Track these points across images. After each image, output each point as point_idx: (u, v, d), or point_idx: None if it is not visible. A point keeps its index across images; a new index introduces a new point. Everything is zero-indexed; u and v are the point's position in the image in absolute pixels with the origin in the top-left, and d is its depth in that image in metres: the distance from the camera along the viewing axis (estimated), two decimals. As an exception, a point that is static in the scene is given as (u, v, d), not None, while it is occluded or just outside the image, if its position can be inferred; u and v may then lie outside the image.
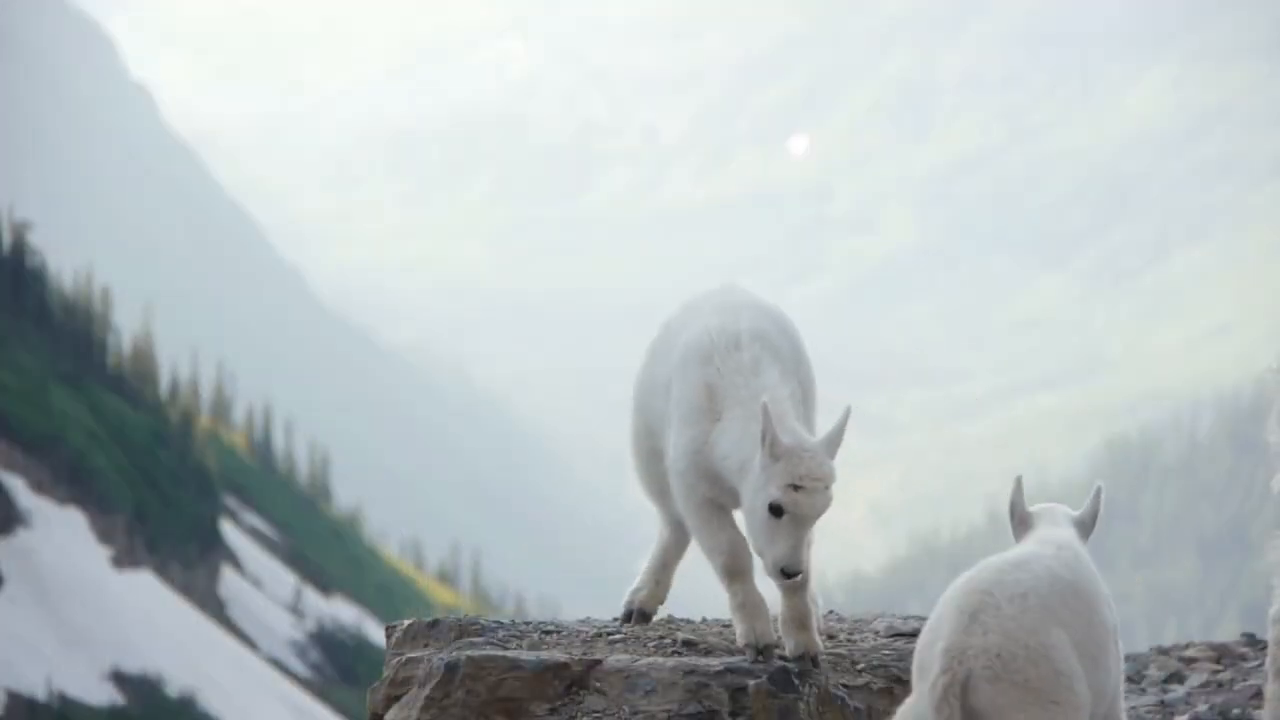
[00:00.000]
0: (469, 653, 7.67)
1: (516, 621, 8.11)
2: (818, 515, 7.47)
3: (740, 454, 7.54)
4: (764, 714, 7.43)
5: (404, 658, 7.89)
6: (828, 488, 7.46)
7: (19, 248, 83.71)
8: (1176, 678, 10.63)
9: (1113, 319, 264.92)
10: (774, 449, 7.38)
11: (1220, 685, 10.34)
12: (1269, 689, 8.25)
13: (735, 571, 7.76)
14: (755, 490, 7.42)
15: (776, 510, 7.38)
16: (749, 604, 7.78)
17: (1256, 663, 10.71)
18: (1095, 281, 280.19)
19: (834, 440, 7.55)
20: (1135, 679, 10.77)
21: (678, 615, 8.63)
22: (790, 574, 7.43)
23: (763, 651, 7.73)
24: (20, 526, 73.33)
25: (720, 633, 8.18)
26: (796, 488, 7.37)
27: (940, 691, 6.79)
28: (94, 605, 72.36)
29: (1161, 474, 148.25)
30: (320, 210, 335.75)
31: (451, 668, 7.61)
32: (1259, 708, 9.74)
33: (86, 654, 69.87)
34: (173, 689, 71.34)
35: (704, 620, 8.49)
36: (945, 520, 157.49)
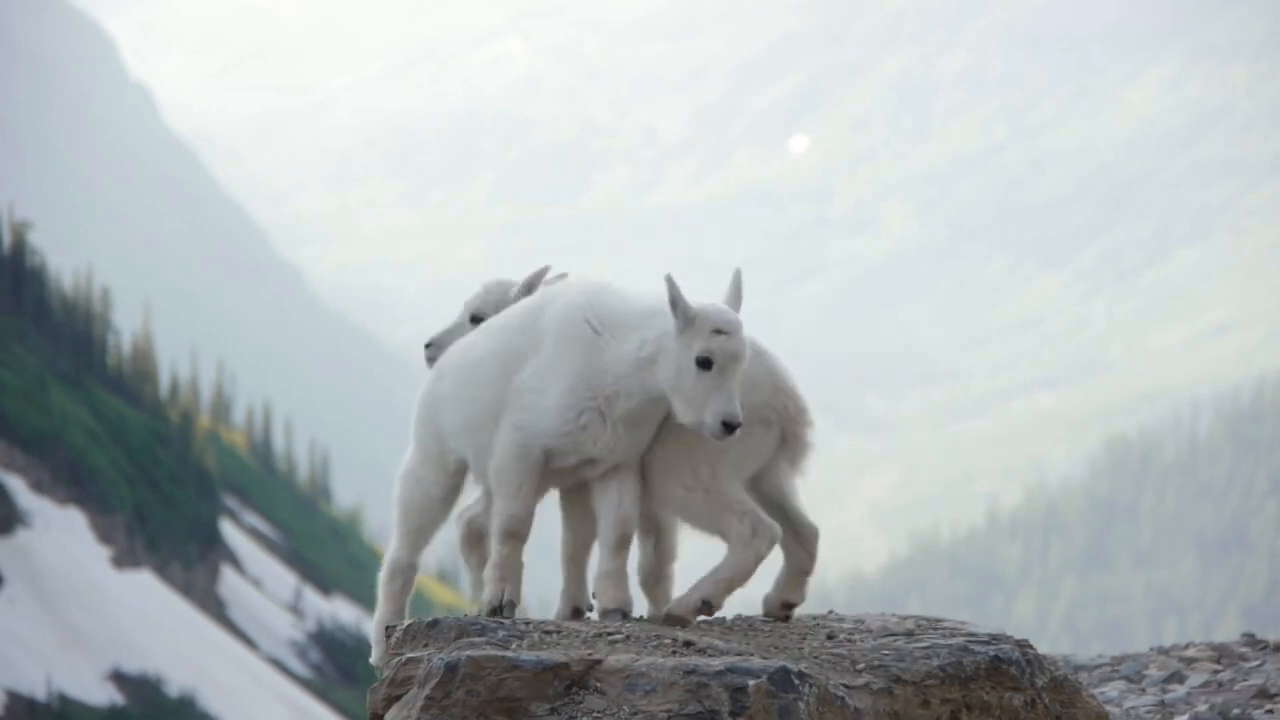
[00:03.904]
0: (469, 653, 7.67)
1: (516, 621, 8.12)
2: (740, 360, 8.05)
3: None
4: (764, 714, 7.43)
5: (404, 658, 7.90)
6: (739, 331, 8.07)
7: (19, 248, 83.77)
8: (1176, 678, 10.64)
9: (1113, 319, 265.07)
10: (688, 313, 8.06)
11: (1220, 685, 10.35)
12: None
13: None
14: (676, 355, 8.05)
15: (705, 363, 7.99)
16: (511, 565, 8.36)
17: (1257, 663, 10.72)
18: (1095, 281, 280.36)
19: (733, 299, 8.22)
20: (1135, 679, 10.77)
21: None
22: (733, 426, 7.95)
23: (501, 610, 8.23)
24: (20, 526, 73.37)
25: (721, 633, 8.19)
26: (719, 332, 8.01)
27: None
28: (94, 605, 72.40)
29: (1161, 474, 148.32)
30: (320, 210, 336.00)
31: (451, 668, 7.62)
32: (1259, 707, 9.75)
33: (86, 654, 69.91)
34: (173, 689, 71.38)
35: (703, 620, 8.48)
36: (945, 520, 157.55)
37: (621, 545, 8.31)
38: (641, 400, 8.24)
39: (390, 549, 8.71)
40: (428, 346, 8.90)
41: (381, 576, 8.70)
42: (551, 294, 8.34)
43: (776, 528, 8.34)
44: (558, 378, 8.21)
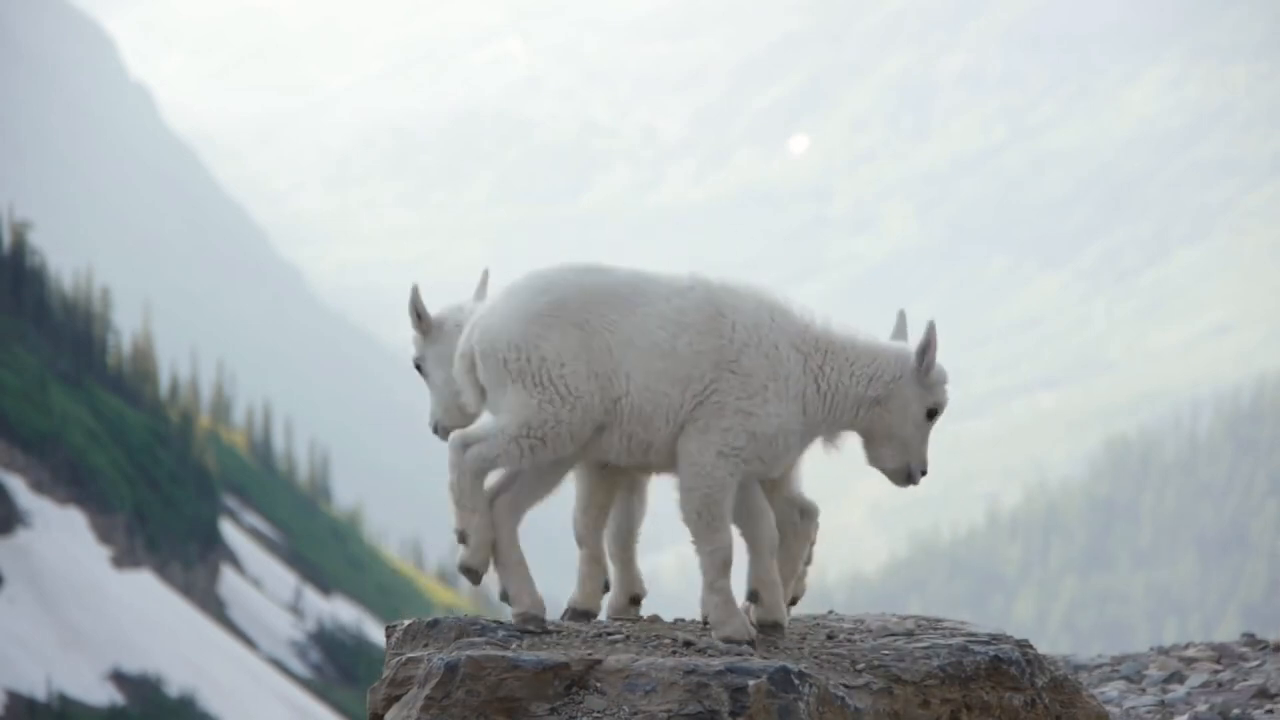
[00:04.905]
0: (469, 653, 7.68)
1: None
2: None
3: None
4: (764, 714, 7.43)
5: (404, 658, 7.90)
6: None
7: (19, 248, 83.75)
8: (1176, 678, 10.64)
9: (1113, 319, 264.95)
10: (930, 362, 8.06)
11: (1220, 685, 10.35)
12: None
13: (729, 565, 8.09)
14: (903, 396, 7.99)
15: (933, 414, 8.08)
16: (732, 599, 8.06)
17: (1257, 663, 10.72)
18: (1095, 281, 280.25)
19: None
20: (1135, 679, 10.78)
21: (677, 615, 8.64)
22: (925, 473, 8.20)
23: (751, 643, 7.94)
24: (20, 526, 73.34)
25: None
26: (946, 385, 8.13)
27: (458, 357, 7.99)
28: (94, 605, 72.37)
29: (1161, 474, 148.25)
30: (320, 210, 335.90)
31: (451, 668, 7.62)
32: (1259, 707, 9.76)
33: (86, 654, 69.87)
34: (173, 689, 71.35)
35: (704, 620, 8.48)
36: (945, 520, 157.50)
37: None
38: (839, 434, 8.15)
39: (482, 442, 7.88)
40: (435, 430, 8.51)
41: (467, 465, 7.87)
42: (731, 299, 7.92)
43: (814, 504, 8.45)
44: (778, 405, 7.88)
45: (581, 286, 7.87)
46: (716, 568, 7.92)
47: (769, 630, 8.04)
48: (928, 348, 8.01)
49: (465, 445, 7.88)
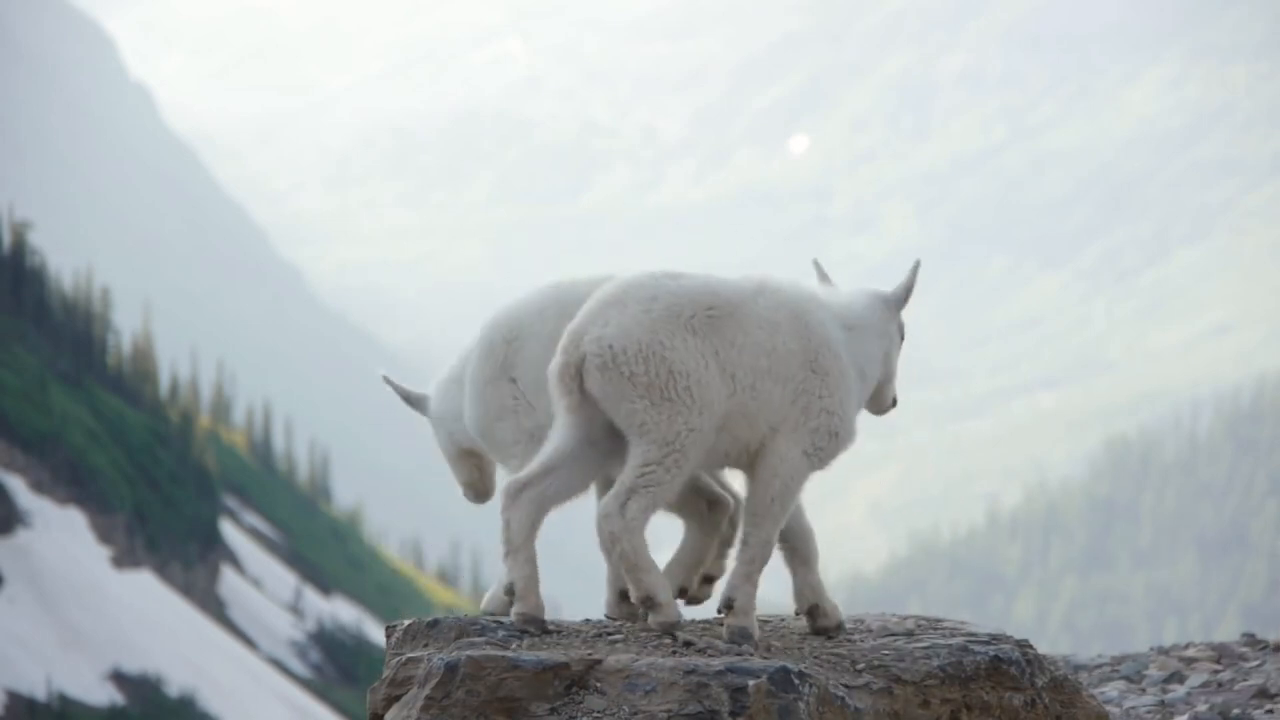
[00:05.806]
0: (469, 653, 7.67)
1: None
2: None
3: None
4: (764, 714, 7.43)
5: (404, 658, 7.90)
6: None
7: (19, 248, 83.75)
8: (1176, 678, 10.64)
9: (1113, 319, 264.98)
10: (906, 296, 8.26)
11: (1220, 685, 10.35)
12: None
13: None
14: (894, 335, 8.23)
15: (903, 336, 8.32)
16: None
17: (1257, 663, 10.73)
18: (1095, 281, 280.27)
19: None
20: (1135, 679, 10.78)
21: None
22: None
23: (754, 643, 7.96)
24: (20, 526, 73.34)
25: (721, 633, 8.18)
26: None
27: (558, 370, 7.71)
28: (94, 605, 72.37)
29: (1161, 474, 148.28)
30: (320, 210, 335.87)
31: (451, 668, 7.62)
32: (1259, 707, 9.76)
33: (86, 654, 69.88)
34: (173, 689, 71.35)
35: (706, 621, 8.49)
36: (945, 520, 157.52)
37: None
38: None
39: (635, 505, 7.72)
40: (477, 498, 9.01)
41: (632, 525, 7.70)
42: (801, 300, 7.99)
43: (727, 497, 8.49)
44: (848, 400, 7.97)
45: (684, 291, 7.81)
46: (762, 559, 7.92)
47: (836, 632, 8.20)
48: (911, 288, 8.23)
49: (620, 506, 7.71)
